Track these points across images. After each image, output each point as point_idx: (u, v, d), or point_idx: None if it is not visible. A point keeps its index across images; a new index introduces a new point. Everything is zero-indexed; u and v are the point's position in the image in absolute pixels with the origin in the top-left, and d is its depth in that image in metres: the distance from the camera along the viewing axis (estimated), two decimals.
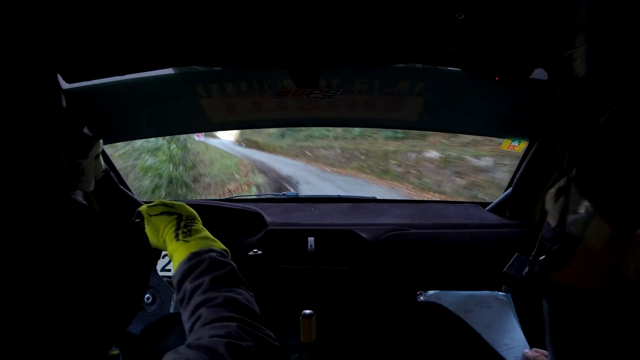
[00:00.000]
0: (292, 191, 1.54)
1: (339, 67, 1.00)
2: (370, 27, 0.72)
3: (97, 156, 0.97)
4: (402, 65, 0.97)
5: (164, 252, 1.07)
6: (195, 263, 0.57)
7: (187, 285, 0.55)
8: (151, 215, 0.67)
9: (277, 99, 1.09)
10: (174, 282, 0.59)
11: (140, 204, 1.26)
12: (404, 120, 1.21)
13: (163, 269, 1.07)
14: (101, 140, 1.03)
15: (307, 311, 0.79)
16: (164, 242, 0.65)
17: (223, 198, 1.58)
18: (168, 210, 0.67)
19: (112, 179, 1.22)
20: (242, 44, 0.78)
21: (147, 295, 0.89)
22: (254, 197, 1.69)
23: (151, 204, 0.69)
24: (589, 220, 0.38)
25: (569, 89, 0.74)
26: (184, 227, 0.64)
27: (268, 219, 1.15)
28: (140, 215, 0.69)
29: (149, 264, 0.43)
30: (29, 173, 0.35)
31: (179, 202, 0.71)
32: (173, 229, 0.64)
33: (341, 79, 1.03)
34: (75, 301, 0.33)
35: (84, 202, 0.42)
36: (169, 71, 0.99)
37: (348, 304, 1.09)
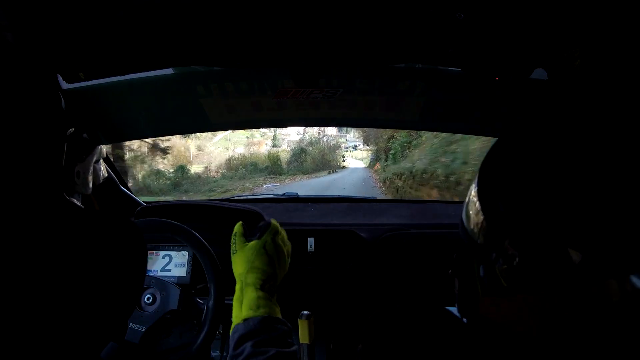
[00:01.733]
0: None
1: (339, 67, 1.00)
2: (370, 27, 0.72)
3: (97, 161, 0.98)
4: (402, 65, 0.97)
5: (163, 253, 1.08)
6: (268, 328, 0.56)
7: (248, 345, 0.54)
8: (270, 242, 0.69)
9: (277, 99, 1.09)
10: (236, 333, 0.56)
11: (140, 204, 1.27)
12: (404, 120, 1.21)
13: (163, 269, 1.07)
14: (103, 147, 1.03)
15: (305, 312, 0.78)
16: (246, 271, 0.63)
17: (223, 198, 1.59)
18: (274, 259, 0.67)
19: (112, 180, 1.23)
20: (242, 44, 0.78)
21: (147, 295, 0.89)
22: (254, 197, 1.69)
23: (281, 243, 0.72)
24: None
25: (569, 89, 0.74)
26: (272, 282, 0.63)
27: (268, 219, 1.15)
28: (265, 226, 0.73)
29: (146, 264, 0.43)
30: (25, 174, 0.35)
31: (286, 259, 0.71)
32: (264, 275, 0.63)
33: (341, 79, 1.03)
34: (69, 301, 0.33)
35: (80, 204, 0.42)
36: (169, 71, 0.99)
37: (348, 304, 1.09)
